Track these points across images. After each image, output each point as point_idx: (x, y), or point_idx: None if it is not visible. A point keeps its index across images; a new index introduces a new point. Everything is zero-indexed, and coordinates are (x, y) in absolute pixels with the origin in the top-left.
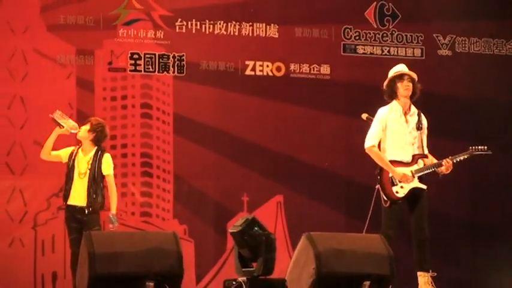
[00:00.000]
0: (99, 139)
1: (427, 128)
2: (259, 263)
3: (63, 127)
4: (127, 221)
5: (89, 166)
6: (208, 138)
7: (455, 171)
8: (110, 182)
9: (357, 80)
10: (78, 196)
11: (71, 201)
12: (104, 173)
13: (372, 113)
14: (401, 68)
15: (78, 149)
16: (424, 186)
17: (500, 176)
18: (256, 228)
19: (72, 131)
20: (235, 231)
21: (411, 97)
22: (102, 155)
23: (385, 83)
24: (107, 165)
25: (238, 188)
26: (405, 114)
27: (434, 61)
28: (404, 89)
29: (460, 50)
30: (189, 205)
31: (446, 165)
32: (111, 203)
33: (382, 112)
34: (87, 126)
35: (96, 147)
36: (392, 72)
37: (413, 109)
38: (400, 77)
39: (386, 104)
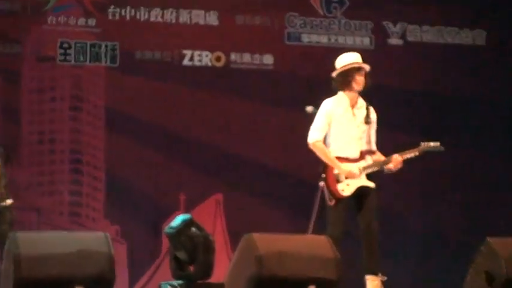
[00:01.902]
0: None
1: (377, 123)
2: (197, 266)
3: None
4: (55, 221)
5: None
6: (142, 134)
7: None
8: None
9: (302, 70)
10: None
11: None
12: None
13: (317, 106)
14: (356, 58)
15: None
16: (372, 184)
17: (455, 174)
18: (193, 229)
19: None
20: (170, 232)
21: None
22: None
23: (338, 72)
24: None
25: (174, 186)
26: (352, 107)
27: (384, 51)
28: (360, 82)
29: (411, 38)
30: (121, 204)
31: (395, 162)
32: None
33: (328, 104)
34: None
35: None
36: (346, 61)
37: (361, 102)
38: (359, 69)
39: (332, 96)
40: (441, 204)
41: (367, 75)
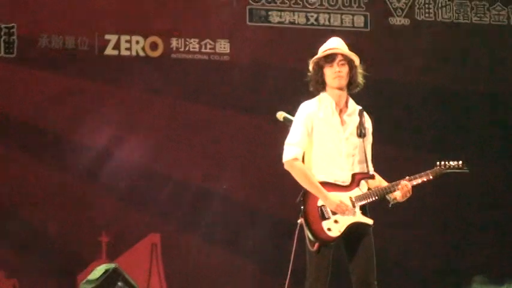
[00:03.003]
0: None
1: (373, 134)
2: None
3: None
4: None
5: None
6: (45, 149)
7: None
8: None
9: (270, 62)
10: None
11: None
12: None
13: (293, 111)
14: (333, 43)
15: None
16: (369, 221)
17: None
18: (119, 284)
19: None
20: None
21: (349, 88)
22: None
23: (310, 67)
24: None
25: (93, 224)
26: (340, 112)
27: (383, 34)
28: (334, 76)
29: (421, 17)
30: (19, 249)
31: (403, 190)
32: None
33: (306, 109)
34: None
35: None
36: (321, 49)
37: (353, 105)
38: (329, 58)
39: (312, 97)
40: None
41: (352, 66)
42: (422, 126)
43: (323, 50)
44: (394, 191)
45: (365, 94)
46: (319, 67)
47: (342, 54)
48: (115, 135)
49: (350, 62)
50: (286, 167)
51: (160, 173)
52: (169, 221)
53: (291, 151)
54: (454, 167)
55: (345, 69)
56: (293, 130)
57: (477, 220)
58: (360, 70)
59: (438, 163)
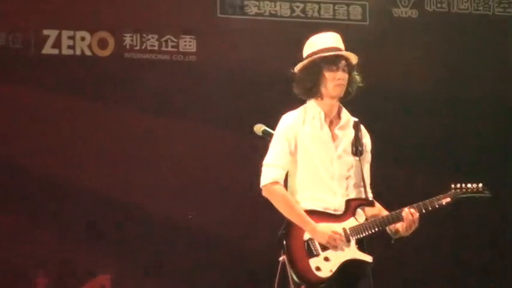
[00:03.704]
0: None
1: (372, 151)
2: None
3: None
4: None
5: None
6: None
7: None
8: None
9: (246, 62)
10: None
11: None
12: None
13: (274, 123)
14: (329, 41)
15: None
16: (368, 258)
17: None
18: None
19: None
20: None
21: (343, 96)
22: None
23: (301, 67)
24: None
25: (27, 262)
26: (331, 125)
27: (386, 28)
28: (336, 83)
29: (432, 7)
30: None
31: (408, 220)
32: None
33: (289, 121)
34: None
35: None
36: (312, 49)
37: (346, 116)
38: (333, 60)
39: (298, 107)
40: None
41: (351, 71)
42: (434, 142)
43: (319, 47)
44: (398, 221)
45: (361, 103)
46: (318, 69)
47: (346, 57)
48: (55, 152)
49: (350, 68)
50: (264, 192)
51: (114, 199)
52: (122, 260)
53: (269, 173)
54: (472, 191)
55: (346, 76)
56: (272, 147)
57: None
58: (356, 77)
59: (453, 186)
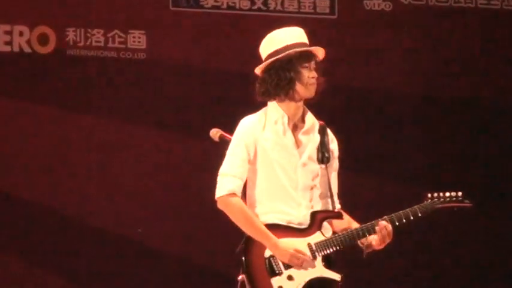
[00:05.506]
0: None
1: (340, 158)
2: None
3: None
4: None
5: None
6: None
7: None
8: None
9: (201, 61)
10: None
11: None
12: None
13: (230, 128)
14: (297, 35)
15: None
16: (336, 276)
17: None
18: None
19: None
20: None
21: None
22: None
23: (266, 66)
24: None
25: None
26: (295, 130)
27: (357, 22)
28: (311, 82)
29: (408, 0)
30: None
31: (381, 234)
32: None
33: (247, 126)
34: None
35: None
36: (279, 45)
37: (311, 120)
38: (307, 56)
39: (258, 110)
40: None
41: (318, 69)
42: (408, 149)
43: (289, 42)
44: (369, 234)
45: (328, 105)
46: (293, 65)
47: (316, 54)
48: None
49: (317, 64)
50: (219, 205)
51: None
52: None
53: (225, 184)
54: (450, 200)
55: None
56: (229, 155)
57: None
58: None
59: (429, 195)
